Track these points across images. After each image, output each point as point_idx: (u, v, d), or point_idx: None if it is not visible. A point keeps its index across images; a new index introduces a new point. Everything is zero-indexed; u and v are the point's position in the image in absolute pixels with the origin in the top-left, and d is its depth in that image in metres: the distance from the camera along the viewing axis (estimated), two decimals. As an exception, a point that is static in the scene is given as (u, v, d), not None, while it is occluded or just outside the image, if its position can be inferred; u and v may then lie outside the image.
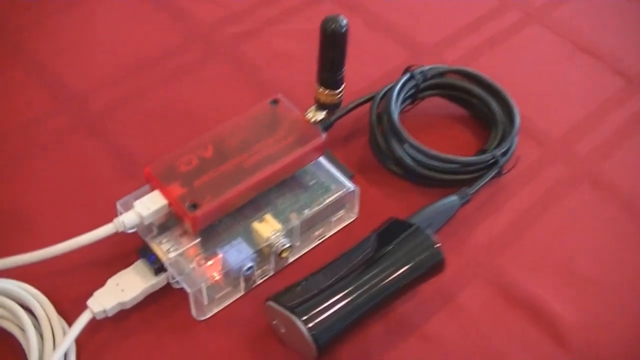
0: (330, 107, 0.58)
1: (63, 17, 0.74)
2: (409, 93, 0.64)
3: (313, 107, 0.59)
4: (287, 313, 0.49)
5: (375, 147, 0.63)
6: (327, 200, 0.56)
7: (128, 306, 0.53)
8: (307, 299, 0.50)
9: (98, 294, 0.52)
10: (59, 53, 0.71)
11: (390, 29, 0.75)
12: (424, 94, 0.66)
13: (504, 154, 0.61)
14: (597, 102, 0.70)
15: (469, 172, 0.61)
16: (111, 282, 0.53)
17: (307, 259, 0.57)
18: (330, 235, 0.58)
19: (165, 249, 0.52)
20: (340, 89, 0.57)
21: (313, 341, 0.48)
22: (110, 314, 0.52)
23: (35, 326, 0.50)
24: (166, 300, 0.54)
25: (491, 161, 0.61)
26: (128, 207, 0.53)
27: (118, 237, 0.55)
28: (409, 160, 0.60)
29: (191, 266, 0.52)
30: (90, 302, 0.51)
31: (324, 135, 0.56)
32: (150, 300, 0.54)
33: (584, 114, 0.69)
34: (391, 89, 0.63)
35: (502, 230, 0.60)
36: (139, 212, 0.52)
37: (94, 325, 0.52)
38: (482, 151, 0.62)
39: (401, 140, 0.60)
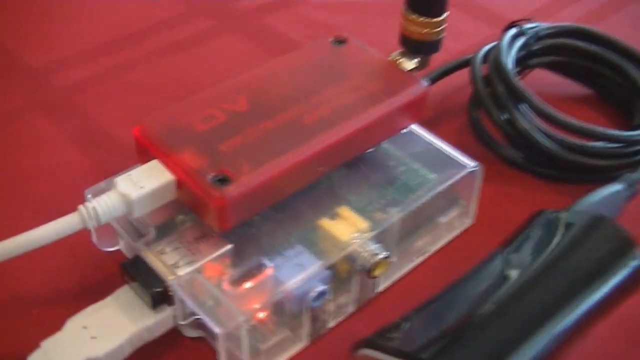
0: (425, 49, 0.34)
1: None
2: (519, 55, 0.40)
3: (397, 53, 0.34)
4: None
5: (481, 126, 0.38)
6: (437, 188, 0.30)
7: (103, 368, 0.26)
8: (430, 342, 0.25)
9: (48, 345, 0.25)
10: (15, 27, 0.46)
11: (465, 3, 0.52)
12: (535, 61, 0.42)
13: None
14: None
15: (618, 155, 0.36)
16: (73, 325, 0.27)
17: (402, 289, 0.31)
18: (436, 251, 0.33)
19: (170, 261, 0.27)
20: (442, 17, 0.33)
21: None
22: (69, 383, 0.25)
23: None
24: (177, 357, 0.28)
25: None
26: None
27: (88, 261, 0.31)
28: (539, 137, 0.35)
29: (218, 291, 0.26)
30: (33, 359, 0.25)
31: (426, 84, 0.31)
32: (147, 356, 0.27)
33: None
34: (498, 45, 0.39)
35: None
36: (125, 193, 0.26)
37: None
38: (636, 126, 0.37)
39: (525, 105, 0.36)
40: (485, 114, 0.38)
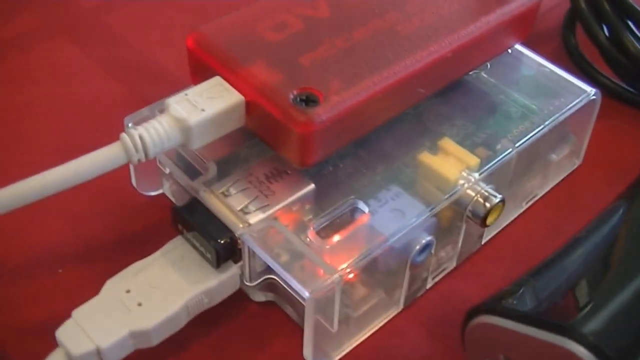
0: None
1: None
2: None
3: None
4: (550, 336, 0.18)
5: (579, 51, 0.31)
6: (555, 118, 0.24)
7: (154, 342, 0.19)
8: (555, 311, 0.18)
9: (82, 314, 0.19)
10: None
11: None
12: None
13: None
14: None
15: None
16: (113, 288, 0.20)
17: (505, 240, 0.25)
18: (542, 195, 0.26)
19: (238, 206, 0.20)
20: None
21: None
22: (112, 361, 0.19)
23: None
24: (241, 326, 0.22)
25: None
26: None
27: (126, 208, 0.25)
28: (655, 64, 0.28)
29: (303, 244, 0.19)
30: (63, 333, 0.18)
31: (536, -5, 0.25)
32: (205, 326, 0.21)
33: None
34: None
35: None
36: (181, 118, 0.19)
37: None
38: None
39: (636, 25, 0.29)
40: (584, 37, 0.31)
